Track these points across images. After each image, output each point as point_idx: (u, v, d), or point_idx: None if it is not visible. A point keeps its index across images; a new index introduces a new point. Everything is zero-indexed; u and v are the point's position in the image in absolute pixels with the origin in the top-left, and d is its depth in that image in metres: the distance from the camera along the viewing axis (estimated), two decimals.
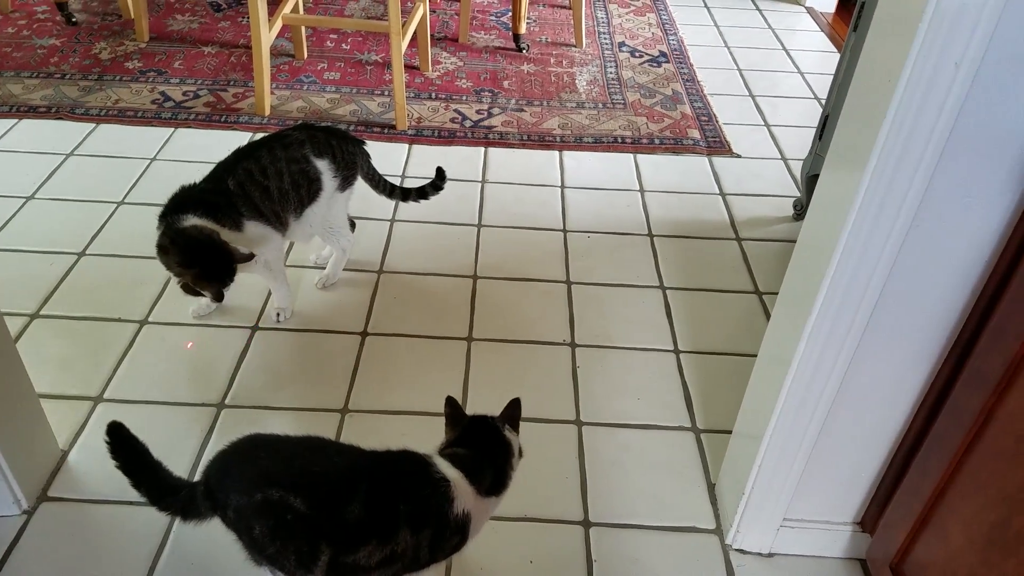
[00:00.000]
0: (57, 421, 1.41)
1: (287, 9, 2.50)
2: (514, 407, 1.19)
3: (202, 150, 2.23)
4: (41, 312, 1.69)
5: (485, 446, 1.12)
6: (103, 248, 1.87)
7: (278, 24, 2.42)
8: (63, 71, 2.57)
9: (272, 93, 2.47)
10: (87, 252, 1.86)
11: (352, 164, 1.70)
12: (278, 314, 1.70)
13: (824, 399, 1.12)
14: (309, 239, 1.76)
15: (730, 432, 1.38)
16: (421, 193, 1.87)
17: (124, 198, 2.04)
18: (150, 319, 1.69)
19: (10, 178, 2.07)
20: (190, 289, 1.53)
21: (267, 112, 2.41)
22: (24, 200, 2.01)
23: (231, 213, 1.51)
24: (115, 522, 1.29)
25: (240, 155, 1.58)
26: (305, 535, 1.00)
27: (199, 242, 1.45)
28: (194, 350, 1.63)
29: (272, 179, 1.56)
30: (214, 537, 1.26)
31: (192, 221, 1.46)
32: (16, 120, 2.32)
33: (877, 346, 1.07)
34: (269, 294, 1.76)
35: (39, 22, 2.86)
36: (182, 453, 1.41)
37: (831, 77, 1.94)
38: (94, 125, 2.32)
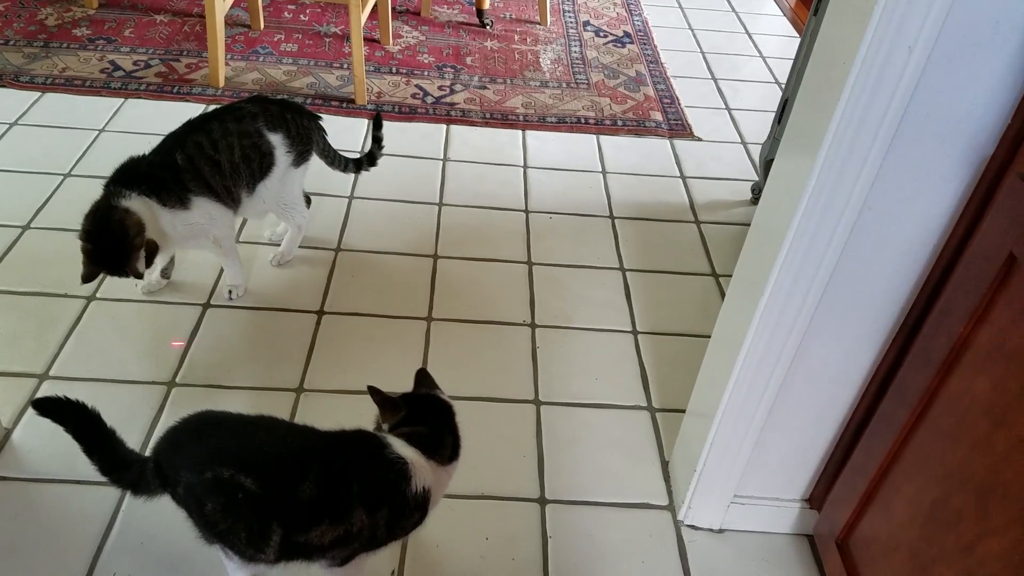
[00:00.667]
0: (0, 399, 1.36)
1: None
2: (425, 376, 1.20)
3: (153, 121, 2.16)
4: None
5: (434, 417, 1.12)
6: (49, 221, 1.81)
7: None
8: (7, 36, 2.46)
9: (227, 64, 2.40)
10: (32, 225, 1.79)
11: (307, 139, 1.66)
12: (230, 291, 1.66)
13: (774, 379, 1.14)
14: (263, 215, 1.73)
15: (683, 411, 1.40)
16: (370, 159, 1.84)
17: (71, 170, 1.97)
18: (98, 295, 1.64)
19: None
20: (84, 264, 1.42)
21: (221, 84, 2.35)
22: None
23: (178, 190, 1.47)
24: (62, 501, 1.26)
25: (191, 127, 1.53)
26: (256, 514, 0.99)
27: (110, 225, 1.38)
28: (143, 327, 1.58)
29: (223, 153, 1.52)
30: (164, 515, 1.24)
31: (133, 201, 1.41)
32: None
33: (827, 327, 1.09)
34: (221, 271, 1.72)
35: None
36: (132, 431, 1.38)
37: (791, 61, 1.96)
38: (40, 94, 2.23)
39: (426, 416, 1.12)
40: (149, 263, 1.43)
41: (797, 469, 1.28)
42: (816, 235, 1.00)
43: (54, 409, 1.07)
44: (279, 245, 1.79)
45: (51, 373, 1.47)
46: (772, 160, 2.06)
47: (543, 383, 1.57)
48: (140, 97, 2.27)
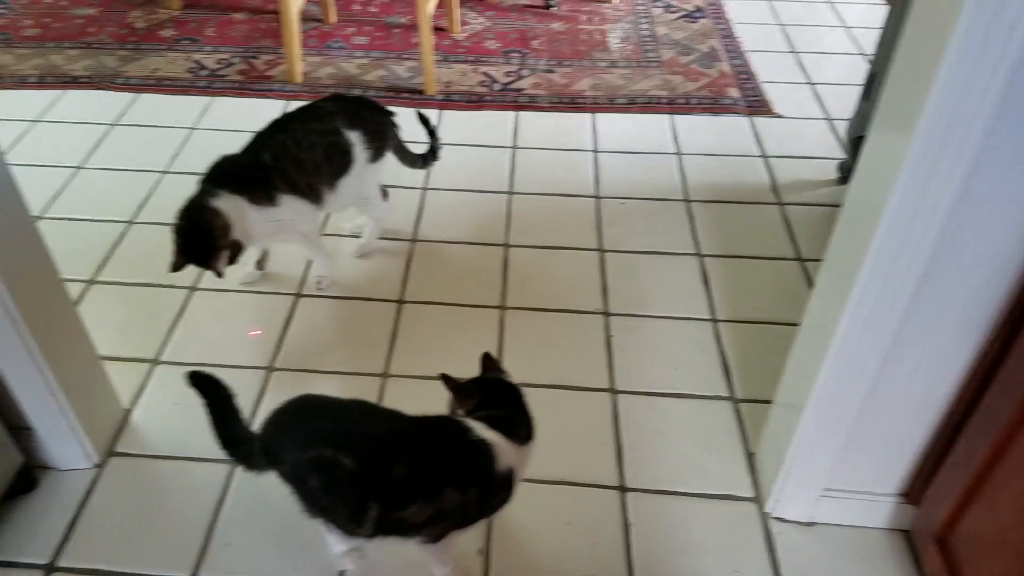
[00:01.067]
0: (119, 381, 1.47)
1: None
2: (490, 359, 1.23)
3: (238, 118, 2.24)
4: (97, 279, 1.75)
5: (506, 399, 1.15)
6: (151, 216, 1.92)
7: None
8: (100, 41, 2.59)
9: (302, 60, 2.47)
10: (136, 220, 1.91)
11: (383, 135, 1.70)
12: (319, 282, 1.73)
13: (869, 369, 1.11)
14: (344, 210, 1.78)
15: (769, 402, 1.38)
16: (432, 153, 1.86)
17: (168, 167, 2.08)
18: (200, 286, 1.74)
19: (60, 149, 2.13)
20: (173, 254, 1.49)
21: (299, 79, 2.42)
22: (74, 170, 2.06)
23: (266, 188, 1.53)
24: (178, 476, 1.37)
25: (274, 127, 1.59)
26: (354, 492, 1.05)
27: (199, 223, 1.46)
28: (242, 316, 1.66)
29: (306, 152, 1.57)
30: (270, 491, 1.31)
31: (224, 200, 1.47)
32: (61, 91, 2.36)
33: (925, 315, 1.05)
34: (310, 262, 1.78)
35: None
36: None
37: (878, 32, 1.87)
38: (135, 95, 2.35)
39: (499, 399, 1.15)
40: (232, 261, 1.50)
41: (892, 462, 1.24)
42: (914, 218, 0.96)
43: (202, 383, 1.17)
44: (359, 237, 1.84)
45: (162, 358, 1.57)
46: (860, 138, 1.99)
47: (619, 372, 1.57)
48: (225, 95, 2.36)
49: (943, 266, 1.00)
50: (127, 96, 2.34)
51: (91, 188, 2.00)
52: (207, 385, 1.17)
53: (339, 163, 1.63)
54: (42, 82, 2.38)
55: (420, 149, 1.86)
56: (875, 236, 0.99)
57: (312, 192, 1.61)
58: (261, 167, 1.53)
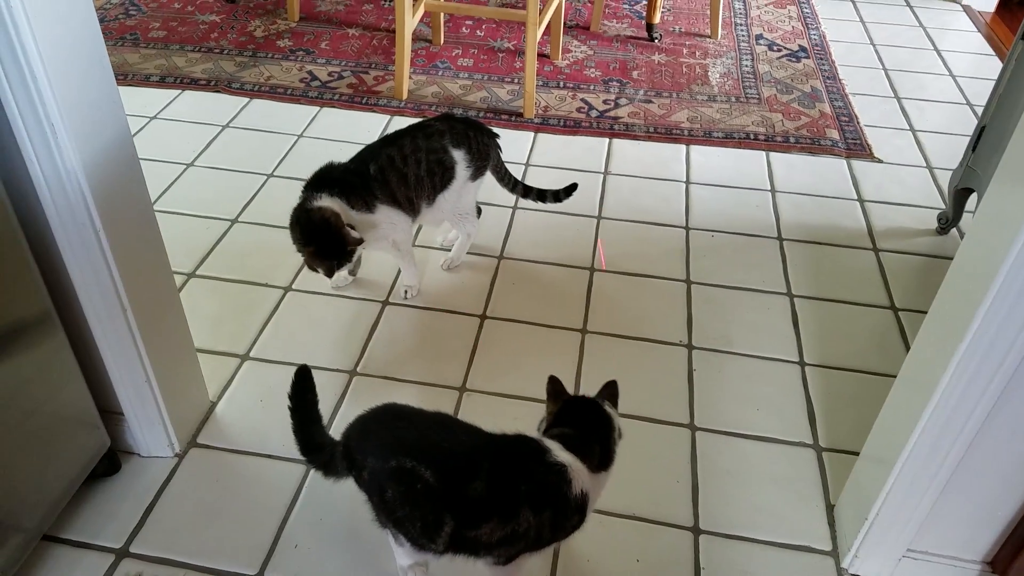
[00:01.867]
0: (208, 374, 1.53)
1: None
2: (611, 387, 1.22)
3: (344, 129, 2.34)
4: (197, 272, 1.84)
5: (589, 423, 1.15)
6: (254, 217, 2.01)
7: (420, 10, 2.50)
8: (221, 46, 2.75)
9: (410, 78, 2.55)
10: (239, 219, 2.00)
11: (485, 155, 1.76)
12: (406, 291, 1.78)
13: (967, 430, 1.07)
14: (439, 223, 1.84)
15: (854, 453, 1.34)
16: (541, 195, 1.90)
17: (273, 171, 2.18)
18: (294, 287, 1.81)
19: (174, 145, 2.26)
20: (310, 264, 1.61)
21: (404, 96, 2.50)
22: (185, 167, 2.18)
23: (366, 196, 1.60)
24: (254, 473, 1.41)
25: (385, 142, 1.66)
26: (432, 505, 1.06)
27: (317, 224, 1.53)
28: (330, 318, 1.73)
29: (411, 167, 1.63)
30: (340, 496, 1.35)
31: (324, 200, 1.55)
32: (180, 91, 2.51)
33: None
34: (399, 271, 1.84)
35: None
36: None
37: (988, 82, 1.82)
38: (248, 100, 2.48)
39: (578, 420, 1.15)
40: (357, 243, 1.57)
41: (980, 528, 1.19)
42: None
43: (302, 382, 1.21)
44: (449, 251, 1.89)
45: (251, 355, 1.64)
46: (964, 189, 1.92)
47: (699, 408, 1.55)
48: (333, 106, 2.46)
49: None
50: (241, 100, 2.47)
51: (200, 185, 2.11)
52: (303, 385, 1.21)
53: (441, 178, 1.69)
54: (163, 81, 2.54)
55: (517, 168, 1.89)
56: (988, 294, 0.96)
57: (410, 205, 1.67)
58: (365, 176, 1.60)
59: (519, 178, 1.92)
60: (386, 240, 1.68)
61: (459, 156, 1.69)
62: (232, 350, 1.64)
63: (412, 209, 1.68)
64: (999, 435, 1.07)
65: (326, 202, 1.56)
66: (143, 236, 1.25)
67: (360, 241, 1.57)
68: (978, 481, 1.13)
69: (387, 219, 1.64)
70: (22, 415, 1.14)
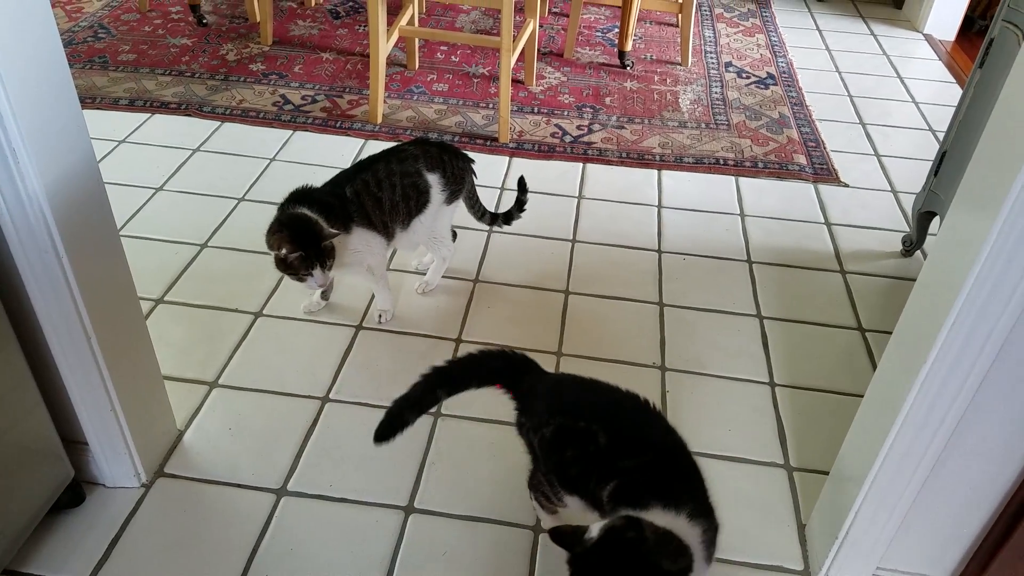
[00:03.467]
0: (175, 402, 1.51)
1: (403, 21, 2.60)
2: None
3: (317, 153, 2.34)
4: (165, 298, 1.81)
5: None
6: (224, 241, 1.99)
7: (395, 36, 2.52)
8: (193, 70, 2.74)
9: (384, 102, 2.56)
10: (209, 244, 1.98)
11: (460, 179, 1.77)
12: (380, 316, 1.77)
13: (933, 449, 1.08)
14: (414, 247, 1.84)
15: (825, 473, 1.35)
16: (507, 218, 1.93)
17: (244, 195, 2.17)
18: (264, 312, 1.79)
19: (142, 170, 2.23)
20: (282, 265, 1.55)
21: (379, 120, 2.51)
22: (154, 191, 2.16)
23: (342, 216, 1.60)
24: (223, 503, 1.38)
25: (359, 167, 1.67)
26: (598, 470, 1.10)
27: (293, 216, 1.55)
28: (302, 344, 1.71)
29: (385, 191, 1.64)
30: (312, 527, 1.33)
31: (304, 211, 1.56)
32: (149, 115, 2.49)
33: (994, 398, 1.03)
34: (373, 296, 1.83)
35: (173, 22, 3.06)
36: (288, 442, 1.49)
37: (949, 109, 1.87)
38: (219, 123, 2.47)
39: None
40: (332, 254, 1.56)
41: (948, 545, 1.20)
42: (991, 299, 0.95)
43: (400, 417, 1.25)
44: (424, 274, 1.89)
45: (220, 381, 1.61)
46: (926, 213, 1.97)
47: None
48: (307, 130, 2.46)
49: (1017, 348, 0.98)
50: (212, 124, 2.46)
51: (169, 209, 2.09)
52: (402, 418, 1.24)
53: (416, 202, 1.70)
54: (132, 104, 2.53)
55: (490, 198, 1.90)
56: (950, 314, 0.98)
57: (385, 229, 1.67)
58: (342, 197, 1.61)
59: (495, 203, 1.93)
60: (360, 264, 1.67)
61: (434, 180, 1.70)
62: (200, 377, 1.61)
63: (387, 233, 1.68)
64: (964, 453, 1.09)
65: (305, 212, 1.56)
66: (108, 262, 1.23)
67: (335, 234, 1.55)
68: (945, 499, 1.14)
69: (363, 241, 1.64)
70: None
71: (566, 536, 1.00)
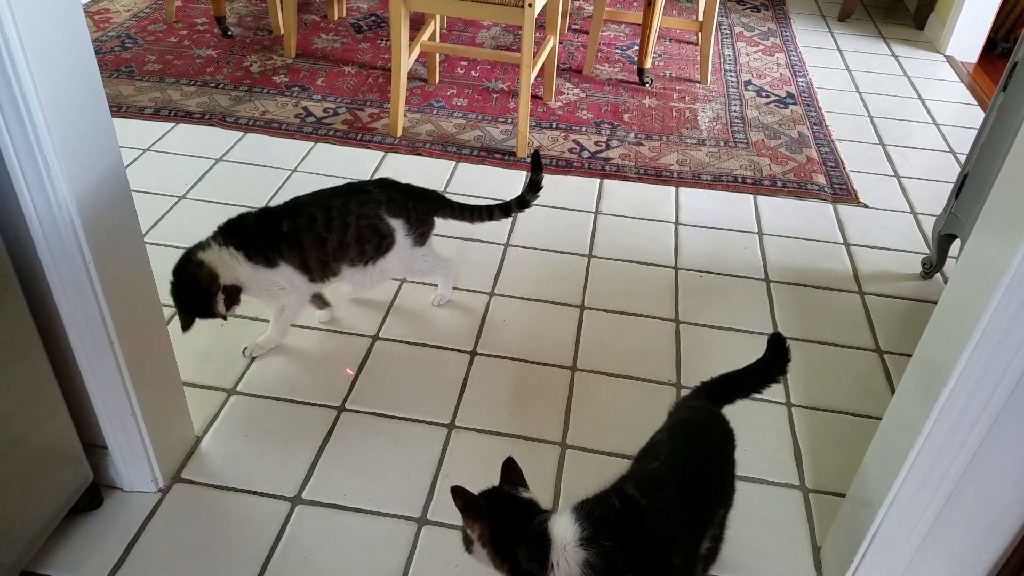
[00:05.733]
0: (194, 408, 1.52)
1: (425, 36, 2.63)
2: (511, 466, 1.14)
3: (338, 165, 2.36)
4: None
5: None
6: None
7: (416, 51, 2.55)
8: (217, 81, 2.79)
9: (404, 116, 2.59)
10: None
11: (426, 222, 1.72)
12: (245, 349, 1.70)
13: (952, 474, 1.07)
14: (373, 286, 1.75)
15: (841, 495, 1.34)
16: (521, 203, 1.81)
17: (266, 204, 2.18)
18: None
19: (166, 178, 2.27)
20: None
21: (399, 133, 2.53)
22: (177, 199, 2.19)
23: (268, 251, 1.57)
24: (238, 509, 1.39)
25: (316, 198, 1.62)
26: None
27: (188, 277, 1.51)
28: (319, 353, 1.72)
29: (334, 231, 1.59)
30: (326, 535, 1.33)
31: (211, 252, 1.53)
32: (174, 124, 2.53)
33: (1015, 424, 1.02)
34: (389, 307, 1.84)
35: (199, 33, 3.12)
36: (303, 450, 1.50)
37: (970, 131, 1.87)
38: (242, 133, 2.51)
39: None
40: (229, 306, 1.54)
41: (966, 571, 1.18)
42: (1013, 322, 0.94)
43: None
44: (324, 327, 1.80)
45: (238, 389, 1.63)
46: (947, 235, 1.96)
47: None
48: (328, 142, 2.49)
49: None
50: (235, 134, 2.50)
51: (191, 217, 2.12)
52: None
53: (376, 246, 1.65)
54: (157, 114, 2.57)
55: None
56: (971, 338, 0.97)
57: (321, 269, 1.62)
58: (274, 232, 1.57)
59: (511, 220, 1.90)
60: (275, 299, 1.63)
61: (397, 225, 1.65)
62: (219, 384, 1.63)
63: (321, 274, 1.63)
64: (984, 478, 1.08)
65: (212, 255, 1.53)
66: (133, 269, 1.25)
67: (223, 316, 1.53)
68: (964, 524, 1.13)
69: (286, 279, 1.61)
70: (4, 447, 1.12)
71: None
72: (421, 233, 1.71)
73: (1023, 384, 0.98)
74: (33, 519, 1.21)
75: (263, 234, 1.58)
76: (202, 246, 1.56)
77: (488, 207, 1.82)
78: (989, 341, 0.96)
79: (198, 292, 1.52)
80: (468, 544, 1.09)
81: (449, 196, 1.82)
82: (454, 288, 1.91)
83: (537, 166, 1.82)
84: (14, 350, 1.12)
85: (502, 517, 1.06)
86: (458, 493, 1.06)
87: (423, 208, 1.71)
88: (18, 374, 1.13)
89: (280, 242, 1.58)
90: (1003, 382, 0.98)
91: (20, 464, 1.16)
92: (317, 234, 1.59)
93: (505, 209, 1.81)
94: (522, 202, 1.82)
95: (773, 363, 1.29)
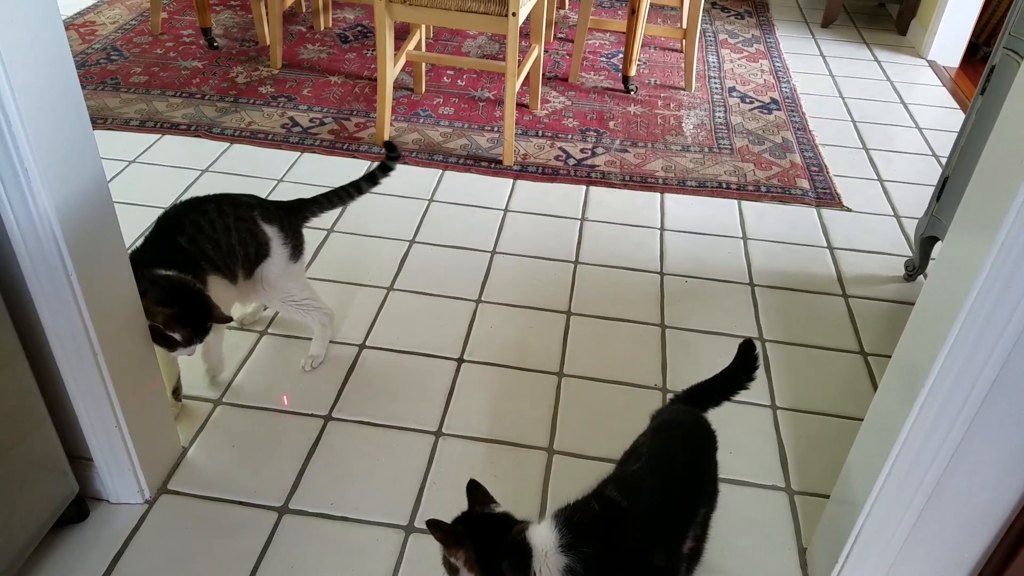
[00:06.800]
0: (180, 419, 1.52)
1: (411, 46, 2.64)
2: (475, 488, 1.15)
3: (324, 175, 2.37)
4: None
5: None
6: None
7: (402, 60, 2.56)
8: (203, 92, 2.79)
9: (391, 125, 2.60)
10: None
11: (299, 235, 1.65)
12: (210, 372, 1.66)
13: (932, 473, 1.08)
14: (270, 302, 1.67)
15: (826, 496, 1.35)
16: (371, 178, 1.76)
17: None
18: (268, 331, 1.81)
19: (151, 190, 2.26)
20: (158, 334, 1.38)
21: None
22: (163, 211, 2.18)
23: (196, 271, 1.46)
24: (225, 520, 1.38)
25: (186, 208, 1.52)
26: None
27: (184, 287, 1.40)
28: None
29: (220, 233, 1.51)
30: (313, 544, 1.33)
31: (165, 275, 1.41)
32: (160, 136, 2.53)
33: (993, 423, 1.03)
34: (376, 316, 1.84)
35: (184, 45, 3.12)
36: (290, 459, 1.50)
37: (952, 134, 1.89)
38: (228, 144, 2.51)
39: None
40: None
41: (949, 569, 1.19)
42: (988, 322, 0.95)
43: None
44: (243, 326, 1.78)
45: (224, 400, 1.62)
46: (929, 238, 1.98)
47: None
48: (314, 152, 2.50)
49: (1015, 373, 0.98)
50: (221, 145, 2.50)
51: None
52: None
53: (256, 251, 1.57)
54: (143, 125, 2.57)
55: (493, 220, 1.89)
56: (948, 338, 0.98)
57: (229, 272, 1.54)
58: (181, 251, 1.46)
59: (499, 224, 1.91)
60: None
61: (272, 232, 1.58)
62: (206, 395, 1.63)
63: (232, 276, 1.54)
64: (965, 477, 1.09)
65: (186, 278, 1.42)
66: (116, 280, 1.25)
67: (229, 319, 1.45)
68: (946, 523, 1.14)
69: (221, 289, 1.51)
70: None
71: None
72: (295, 246, 1.63)
73: (1000, 383, 1.00)
74: (18, 532, 1.20)
75: (180, 258, 1.45)
76: (157, 275, 1.41)
77: (354, 183, 1.74)
78: (965, 341, 0.97)
79: (202, 302, 1.41)
80: (452, 572, 1.08)
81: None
82: (445, 297, 1.91)
83: (392, 154, 1.81)
84: None
85: (483, 537, 1.06)
86: (434, 525, 1.06)
87: (293, 219, 1.64)
88: (1, 386, 1.13)
89: (193, 257, 1.47)
90: (980, 381, 1.00)
91: (4, 477, 1.15)
92: (210, 237, 1.49)
93: (358, 186, 1.75)
94: (372, 177, 1.77)
95: (740, 370, 1.29)
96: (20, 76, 1.00)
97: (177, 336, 1.38)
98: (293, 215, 1.65)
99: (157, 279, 1.39)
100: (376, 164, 1.80)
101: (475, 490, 1.14)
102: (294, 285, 1.65)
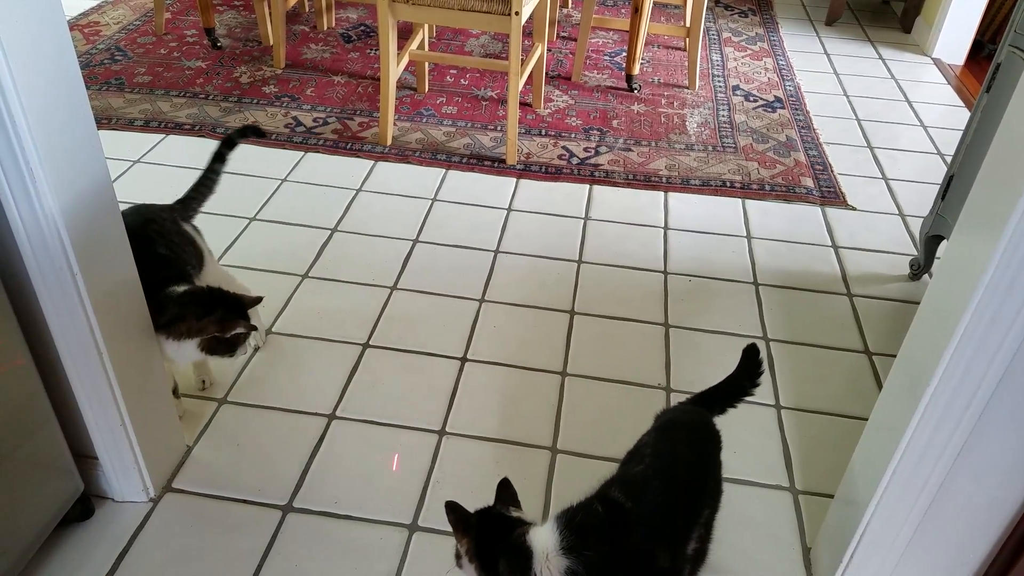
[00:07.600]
0: (185, 418, 1.52)
1: (414, 45, 2.64)
2: (506, 486, 1.15)
3: (328, 175, 2.37)
4: None
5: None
6: (235, 260, 2.01)
7: (405, 59, 2.56)
8: (207, 92, 2.79)
9: (394, 124, 2.60)
10: (220, 262, 2.00)
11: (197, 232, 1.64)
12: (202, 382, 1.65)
13: (937, 473, 1.08)
14: None
15: (830, 496, 1.35)
16: (219, 154, 1.77)
17: (256, 215, 2.19)
18: (273, 329, 1.81)
19: (155, 190, 2.25)
20: (220, 342, 1.39)
21: (388, 142, 2.54)
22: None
23: (187, 277, 1.46)
24: (229, 518, 1.39)
25: (138, 223, 1.43)
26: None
27: (202, 291, 1.41)
28: (309, 362, 1.72)
29: (176, 238, 1.52)
30: (317, 543, 1.33)
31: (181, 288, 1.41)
32: (164, 135, 2.54)
33: (998, 422, 1.02)
34: (380, 315, 1.84)
35: (188, 45, 3.12)
36: (294, 457, 1.50)
37: (957, 133, 1.88)
38: None
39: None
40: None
41: (954, 569, 1.19)
42: (994, 322, 0.95)
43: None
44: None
45: (229, 398, 1.63)
46: (934, 236, 1.97)
47: None
48: (318, 151, 2.50)
49: (1021, 372, 0.98)
50: None
51: None
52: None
53: (192, 250, 1.56)
54: (147, 125, 2.57)
55: (496, 220, 1.89)
56: (953, 337, 0.98)
57: (197, 272, 1.54)
58: (167, 262, 1.45)
59: (502, 223, 1.91)
60: None
61: (192, 231, 1.59)
62: (211, 393, 1.63)
63: (198, 277, 1.54)
64: (969, 477, 1.08)
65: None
66: (121, 280, 1.25)
67: (259, 299, 1.44)
68: (950, 523, 1.13)
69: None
70: None
71: None
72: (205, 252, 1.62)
73: (1005, 383, 0.99)
74: (24, 530, 1.20)
75: (172, 270, 1.45)
76: (183, 274, 1.46)
77: (211, 166, 1.76)
78: (970, 340, 0.97)
79: (227, 295, 1.41)
80: (458, 559, 1.09)
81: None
82: (449, 296, 1.91)
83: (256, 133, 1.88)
84: (2, 363, 1.12)
85: (487, 532, 1.06)
86: (451, 508, 1.08)
87: (191, 216, 1.66)
88: (7, 387, 1.14)
89: (179, 264, 1.48)
90: (985, 381, 0.99)
91: (10, 476, 1.16)
92: (175, 243, 1.50)
93: (229, 143, 1.79)
94: (231, 140, 1.80)
95: (744, 377, 1.29)
96: (25, 76, 1.00)
97: (241, 329, 1.38)
98: (189, 212, 1.66)
99: (179, 298, 1.38)
100: (221, 141, 1.78)
101: (504, 489, 1.14)
102: (223, 275, 1.65)
